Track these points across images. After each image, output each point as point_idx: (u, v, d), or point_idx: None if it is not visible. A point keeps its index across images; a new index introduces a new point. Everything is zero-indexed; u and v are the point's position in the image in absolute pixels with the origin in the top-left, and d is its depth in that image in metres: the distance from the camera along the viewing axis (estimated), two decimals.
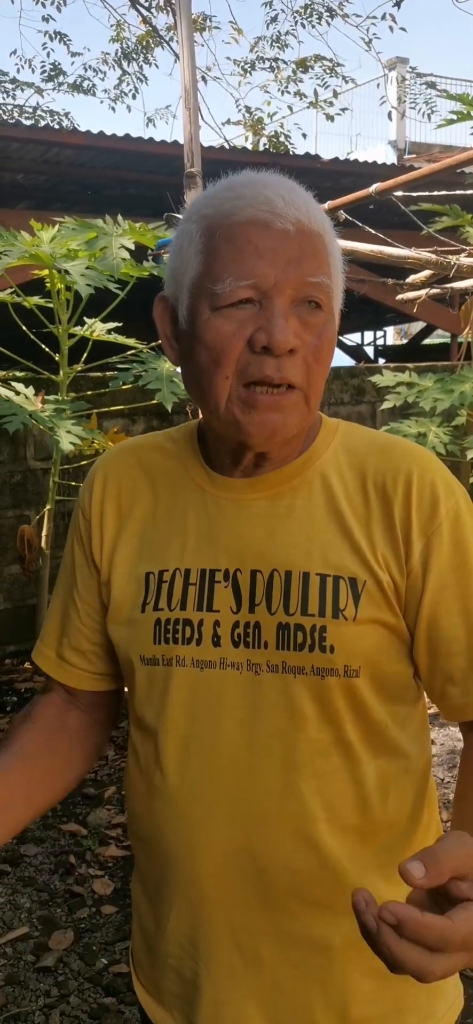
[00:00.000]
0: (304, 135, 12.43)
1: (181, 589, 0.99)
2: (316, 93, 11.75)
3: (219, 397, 0.94)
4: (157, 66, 16.13)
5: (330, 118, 11.89)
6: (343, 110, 12.02)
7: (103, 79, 17.27)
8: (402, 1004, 1.00)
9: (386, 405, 4.87)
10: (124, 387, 4.24)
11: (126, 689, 1.11)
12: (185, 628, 0.98)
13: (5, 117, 12.07)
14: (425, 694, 1.05)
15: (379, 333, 15.52)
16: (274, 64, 11.80)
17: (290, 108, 12.12)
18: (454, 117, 3.65)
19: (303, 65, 11.63)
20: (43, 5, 11.39)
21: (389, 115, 12.73)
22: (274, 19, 11.59)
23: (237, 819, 0.95)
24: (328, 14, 11.16)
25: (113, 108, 13.36)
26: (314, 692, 0.94)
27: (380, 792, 0.98)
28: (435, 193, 3.89)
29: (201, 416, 1.08)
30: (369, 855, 0.98)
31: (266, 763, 0.94)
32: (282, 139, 11.73)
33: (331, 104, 11.82)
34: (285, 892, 0.96)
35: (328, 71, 11.60)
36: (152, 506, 1.06)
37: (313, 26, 11.37)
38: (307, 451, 1.02)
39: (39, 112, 12.59)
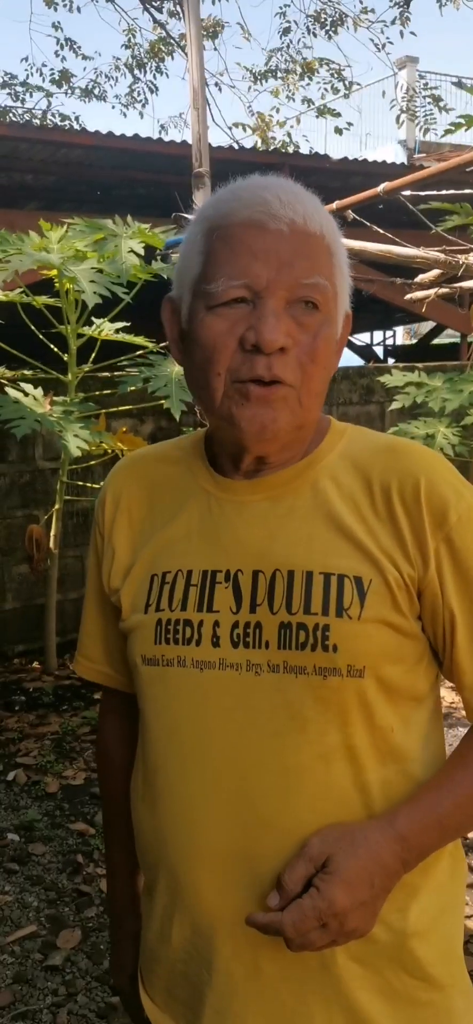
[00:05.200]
0: (312, 149, 12.43)
1: (182, 590, 1.00)
2: (323, 98, 11.79)
3: (214, 393, 0.95)
4: (167, 75, 16.12)
5: (339, 131, 11.90)
6: (349, 124, 12.04)
7: (114, 85, 17.27)
8: None
9: (395, 405, 4.86)
10: (132, 388, 4.25)
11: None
12: (186, 628, 0.98)
13: (15, 120, 12.08)
14: (438, 693, 1.04)
15: (388, 333, 15.49)
16: (284, 73, 11.82)
17: (298, 119, 12.15)
18: (462, 121, 3.64)
19: (310, 69, 11.63)
20: (55, 9, 11.40)
21: (397, 119, 12.71)
22: (286, 31, 11.61)
23: (236, 824, 0.93)
24: (339, 22, 11.17)
25: (124, 114, 13.42)
26: (316, 693, 0.92)
27: (385, 800, 0.94)
28: (443, 192, 3.88)
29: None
30: None
31: (266, 766, 0.93)
32: (291, 147, 11.76)
33: (338, 115, 11.83)
34: None
35: (335, 75, 11.61)
36: (158, 514, 1.07)
37: (329, 37, 11.37)
38: (311, 454, 1.02)
39: (49, 116, 12.62)
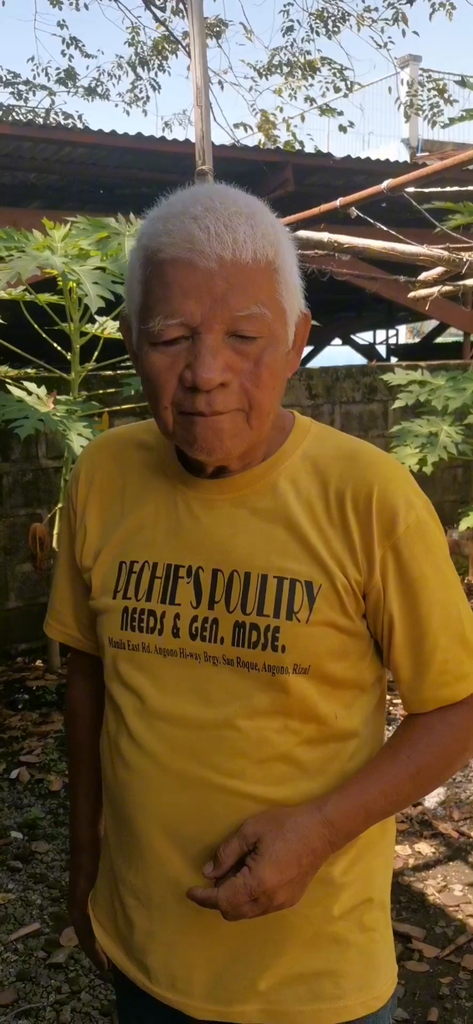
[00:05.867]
0: (315, 147, 12.42)
1: (148, 581, 1.06)
2: (324, 95, 11.77)
3: (165, 421, 0.99)
4: (170, 73, 16.15)
5: (343, 129, 11.89)
6: (351, 124, 12.03)
7: (117, 83, 17.19)
8: (335, 967, 1.07)
9: (398, 404, 4.86)
10: (136, 389, 4.25)
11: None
12: (149, 618, 1.06)
13: (18, 118, 12.07)
14: (385, 685, 1.13)
15: (391, 331, 15.46)
16: (286, 69, 11.80)
17: (302, 116, 12.14)
18: (464, 114, 3.64)
19: (312, 68, 11.61)
20: (60, 7, 11.38)
21: (406, 114, 12.67)
22: (289, 29, 11.59)
23: (186, 790, 1.03)
24: (341, 21, 11.15)
25: (127, 112, 13.42)
26: (265, 686, 1.00)
27: (326, 778, 1.03)
28: (447, 190, 3.88)
29: None
30: None
31: (218, 744, 1.02)
32: (296, 145, 11.75)
33: (341, 114, 11.83)
34: None
35: (336, 74, 11.59)
36: (128, 498, 1.12)
37: (329, 37, 11.36)
38: (274, 454, 1.06)
39: (52, 115, 12.60)
